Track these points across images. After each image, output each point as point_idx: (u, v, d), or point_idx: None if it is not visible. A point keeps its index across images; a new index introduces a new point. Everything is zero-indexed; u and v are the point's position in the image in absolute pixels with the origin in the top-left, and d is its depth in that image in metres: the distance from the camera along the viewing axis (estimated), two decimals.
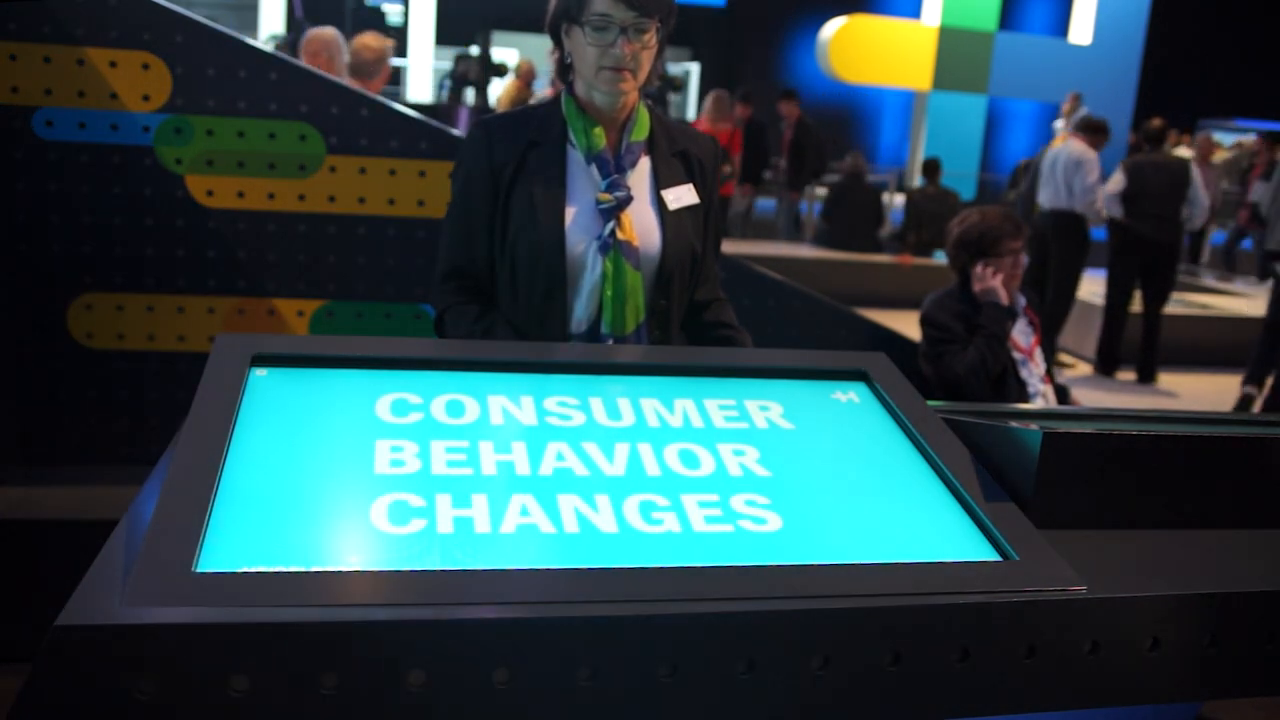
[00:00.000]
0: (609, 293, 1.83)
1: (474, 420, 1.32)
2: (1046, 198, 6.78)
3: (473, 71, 11.96)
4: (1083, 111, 12.19)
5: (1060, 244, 6.79)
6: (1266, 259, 6.87)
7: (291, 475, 1.16)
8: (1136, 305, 6.74)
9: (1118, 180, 6.52)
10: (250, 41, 2.82)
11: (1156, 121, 6.87)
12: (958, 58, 15.36)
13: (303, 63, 2.96)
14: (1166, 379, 6.75)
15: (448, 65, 13.16)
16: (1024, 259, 3.08)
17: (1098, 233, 7.04)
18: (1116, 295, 6.69)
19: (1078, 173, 6.65)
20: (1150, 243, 6.47)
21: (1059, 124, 13.61)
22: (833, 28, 14.88)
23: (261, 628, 0.92)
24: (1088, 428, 1.33)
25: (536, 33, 1.89)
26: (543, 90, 10.06)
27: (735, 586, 1.06)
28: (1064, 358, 7.04)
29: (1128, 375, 6.77)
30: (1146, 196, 6.45)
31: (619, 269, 1.82)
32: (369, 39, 4.66)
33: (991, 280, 3.02)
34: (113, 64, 2.66)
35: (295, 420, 1.26)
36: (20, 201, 2.72)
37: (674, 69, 18.11)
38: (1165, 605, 1.14)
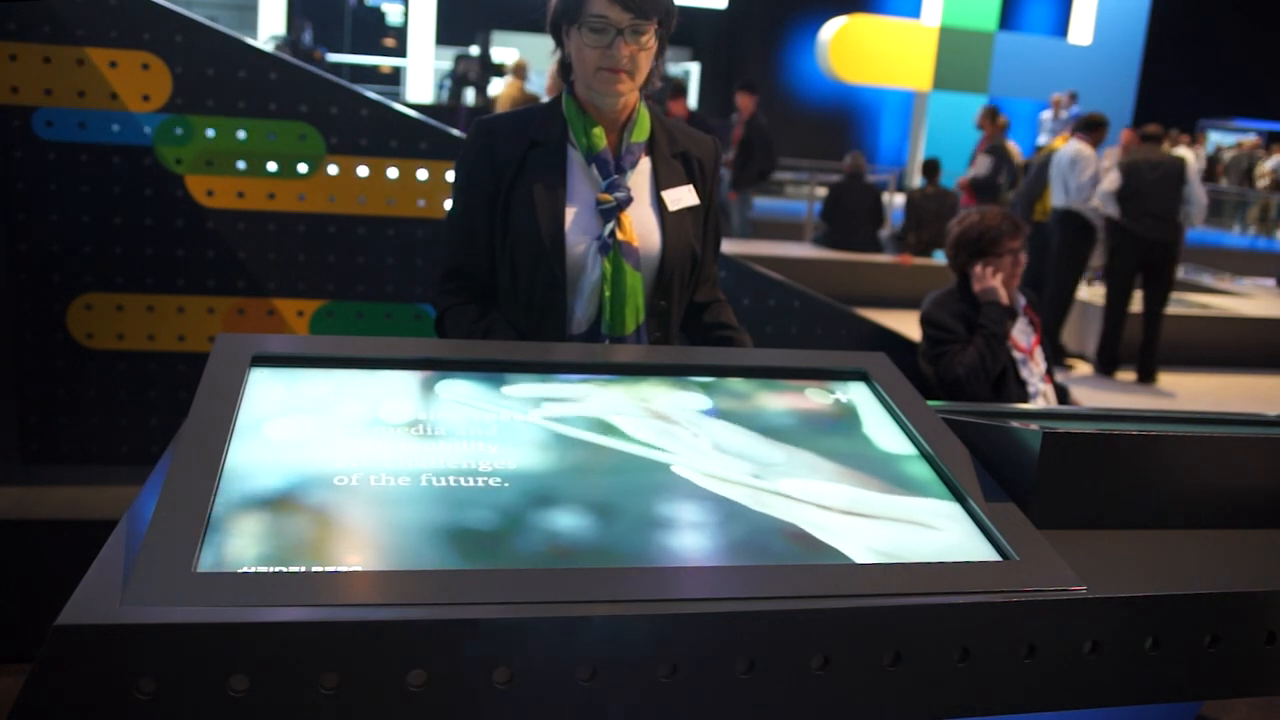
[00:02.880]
0: (608, 293, 1.83)
1: (473, 420, 1.32)
2: (1054, 197, 6.91)
3: (473, 71, 11.97)
4: (1074, 110, 12.26)
5: (1059, 241, 6.85)
6: None
7: (291, 475, 1.16)
8: (1137, 305, 6.75)
9: (1113, 179, 6.54)
10: (250, 41, 2.82)
11: (1153, 127, 6.93)
12: (958, 58, 15.37)
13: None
14: (1166, 379, 6.75)
15: (448, 65, 13.17)
16: (1023, 258, 3.08)
17: None
18: (1116, 295, 6.71)
19: (1072, 171, 6.71)
20: (1148, 243, 6.48)
21: (1045, 115, 13.67)
22: (833, 28, 14.89)
23: (261, 628, 0.92)
24: (1088, 428, 1.33)
25: (536, 33, 1.90)
26: (534, 88, 9.97)
27: (735, 586, 1.06)
28: (1071, 362, 7.05)
29: (1128, 375, 6.77)
30: (1143, 196, 6.46)
31: (618, 269, 1.82)
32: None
33: (991, 280, 3.02)
34: (113, 64, 2.66)
35: (295, 420, 1.26)
36: (20, 201, 2.72)
37: (674, 69, 18.13)
38: (1165, 605, 1.14)
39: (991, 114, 10.19)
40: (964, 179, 10.19)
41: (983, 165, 9.70)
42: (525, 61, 10.09)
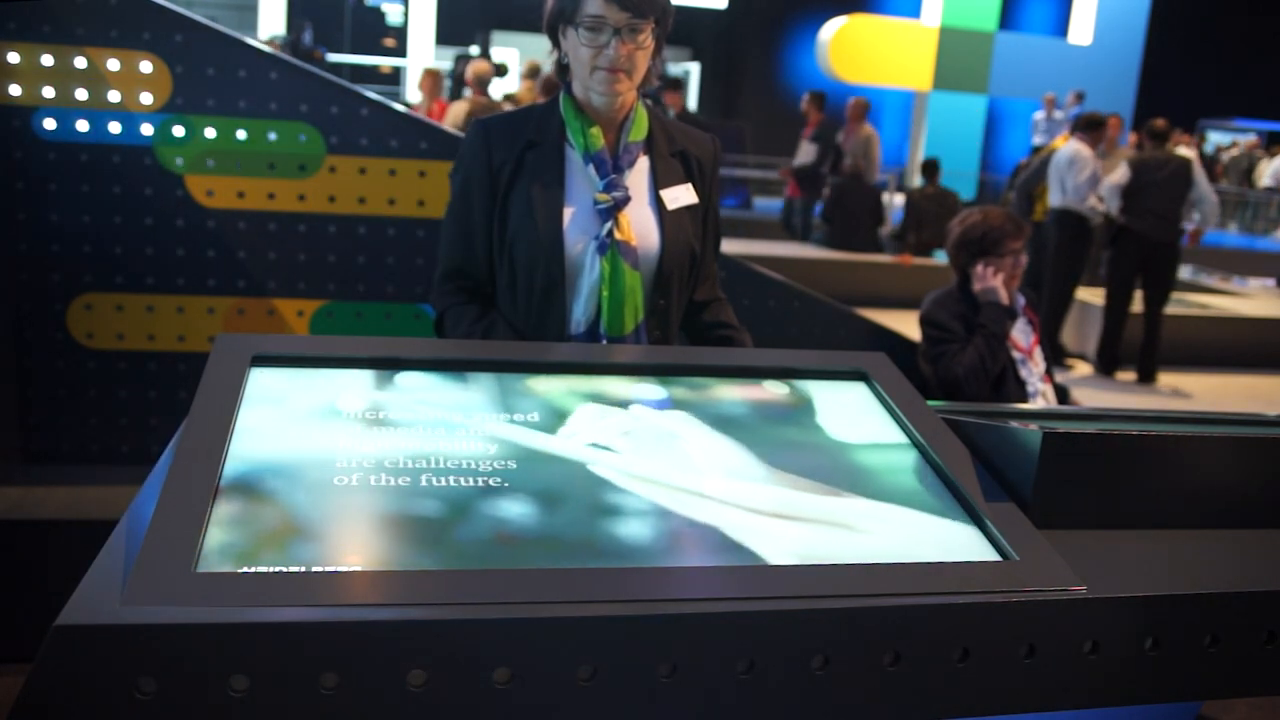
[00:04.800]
0: (606, 293, 1.83)
1: (473, 421, 1.32)
2: (1052, 196, 6.90)
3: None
4: (1075, 110, 12.16)
5: (1057, 241, 6.83)
6: None
7: (291, 475, 1.16)
8: (1137, 305, 6.74)
9: (1121, 173, 6.50)
10: (250, 41, 2.82)
11: (1160, 122, 6.85)
12: (958, 58, 15.37)
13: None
14: (1166, 379, 6.75)
15: (448, 65, 13.16)
16: (1024, 259, 3.09)
17: None
18: (1116, 295, 6.69)
19: (1070, 170, 6.69)
20: (1149, 243, 6.47)
21: (1039, 115, 13.63)
22: (833, 28, 14.88)
23: (261, 628, 0.92)
24: (1088, 428, 1.33)
25: (536, 33, 1.90)
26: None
27: (735, 586, 1.06)
28: (1071, 362, 7.04)
29: (1128, 375, 6.77)
30: (1146, 194, 6.44)
31: (617, 269, 1.82)
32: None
33: (992, 280, 3.02)
34: (113, 64, 2.66)
35: (295, 420, 1.26)
36: (20, 201, 2.72)
37: (674, 69, 18.12)
38: (1165, 605, 1.14)
39: (817, 99, 9.71)
40: (786, 168, 9.95)
41: (806, 153, 9.33)
42: (538, 63, 10.07)
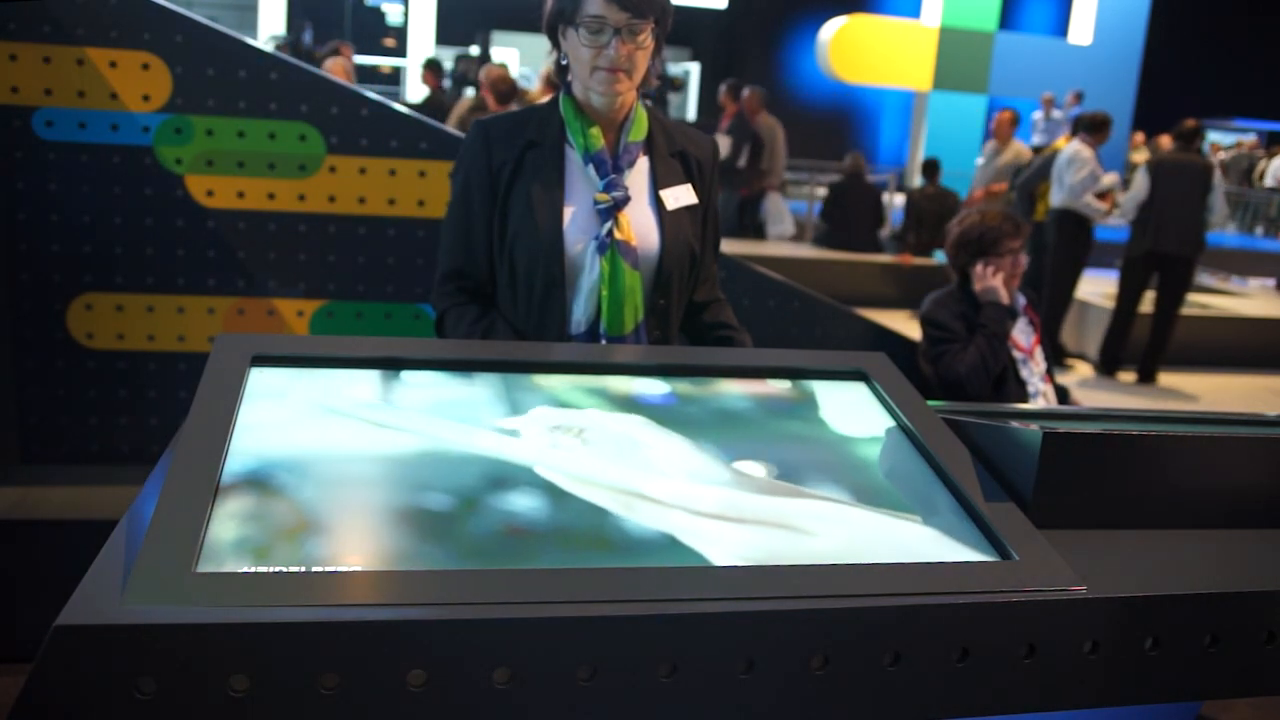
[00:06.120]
0: (605, 293, 1.83)
1: (473, 421, 1.32)
2: (1053, 197, 6.88)
3: (473, 71, 11.98)
4: (1075, 111, 12.09)
5: (1056, 240, 6.82)
6: None
7: (292, 475, 1.16)
8: (1143, 305, 6.72)
9: (1140, 185, 6.43)
10: (250, 41, 2.82)
11: (1191, 122, 6.66)
12: (958, 58, 15.36)
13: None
14: (1166, 379, 6.75)
15: (448, 65, 13.17)
16: (1024, 258, 3.09)
17: (1103, 233, 7.04)
18: (1126, 298, 6.65)
19: (1069, 169, 6.67)
20: (1163, 254, 6.41)
21: (1037, 115, 13.59)
22: (833, 28, 14.88)
23: (261, 628, 0.92)
24: (1088, 428, 1.32)
25: (536, 33, 1.90)
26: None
27: (735, 586, 1.06)
28: (1071, 362, 7.04)
29: (1128, 375, 6.77)
30: (1164, 205, 6.35)
31: (616, 269, 1.82)
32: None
33: (992, 280, 3.02)
34: (113, 64, 2.66)
35: (295, 421, 1.26)
36: (20, 201, 2.72)
37: (674, 69, 18.13)
38: (1165, 605, 1.14)
39: (733, 90, 9.36)
40: None
41: (722, 146, 9.29)
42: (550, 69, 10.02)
